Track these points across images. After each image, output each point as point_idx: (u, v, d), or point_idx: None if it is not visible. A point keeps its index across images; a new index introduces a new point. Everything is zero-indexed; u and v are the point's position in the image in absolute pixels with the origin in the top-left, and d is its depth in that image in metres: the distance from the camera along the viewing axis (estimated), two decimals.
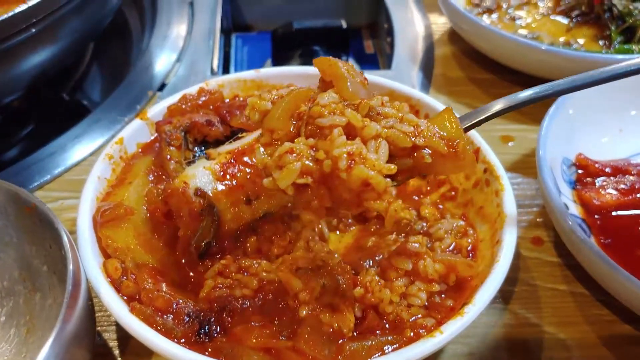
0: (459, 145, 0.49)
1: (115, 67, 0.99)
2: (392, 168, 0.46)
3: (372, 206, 0.47)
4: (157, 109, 0.69)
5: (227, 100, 0.72)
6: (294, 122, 0.50)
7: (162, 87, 0.88)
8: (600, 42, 0.89)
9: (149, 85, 0.88)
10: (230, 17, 1.12)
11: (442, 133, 0.49)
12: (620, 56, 0.78)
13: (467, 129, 0.54)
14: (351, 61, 1.04)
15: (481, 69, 0.89)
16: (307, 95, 0.51)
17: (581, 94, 0.71)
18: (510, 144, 0.79)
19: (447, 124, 0.50)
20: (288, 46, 1.01)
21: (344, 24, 1.01)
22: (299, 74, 0.74)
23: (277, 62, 1.01)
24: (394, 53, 0.92)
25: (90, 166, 0.74)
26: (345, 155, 0.45)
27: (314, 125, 0.48)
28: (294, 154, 0.46)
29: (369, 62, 1.06)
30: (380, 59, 1.07)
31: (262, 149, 0.49)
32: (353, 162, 0.45)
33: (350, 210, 0.49)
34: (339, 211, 0.51)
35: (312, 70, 0.72)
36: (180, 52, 0.94)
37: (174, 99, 0.70)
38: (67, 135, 0.80)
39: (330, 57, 0.52)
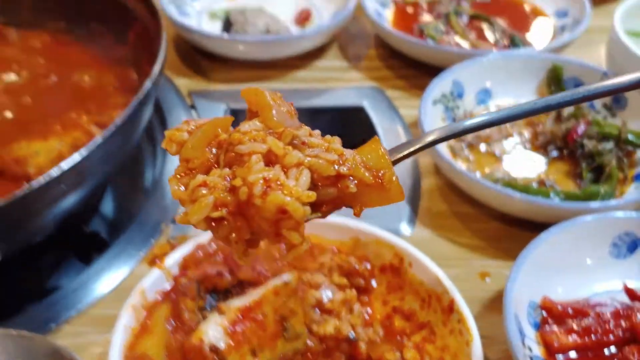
0: (384, 175, 0.52)
1: (129, 194, 1.14)
2: (311, 195, 0.48)
3: (290, 236, 0.49)
4: (173, 259, 0.83)
5: None
6: (214, 151, 0.52)
7: (174, 219, 1.03)
8: (573, 182, 1.04)
9: (161, 217, 1.03)
10: None
11: (368, 163, 0.52)
12: (594, 204, 0.93)
13: (398, 160, 0.57)
14: None
15: (463, 202, 1.04)
16: (226, 123, 0.53)
17: (550, 242, 0.86)
18: (487, 279, 0.93)
19: (374, 154, 0.53)
20: None
21: None
22: None
23: None
24: None
25: (111, 302, 0.90)
26: (261, 181, 0.47)
27: (234, 152, 0.50)
28: (207, 187, 0.48)
29: None
30: None
31: (176, 180, 0.51)
32: (269, 188, 0.47)
33: (270, 241, 0.50)
34: (259, 242, 0.52)
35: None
36: None
37: (188, 248, 0.85)
38: (89, 271, 0.95)
39: (258, 87, 0.54)
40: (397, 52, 1.35)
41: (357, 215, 0.54)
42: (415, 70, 1.32)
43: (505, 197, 0.94)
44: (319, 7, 1.47)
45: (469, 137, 1.11)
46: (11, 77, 1.21)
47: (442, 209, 1.04)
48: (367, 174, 0.50)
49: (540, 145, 1.10)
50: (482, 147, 1.10)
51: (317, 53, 1.38)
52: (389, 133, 1.19)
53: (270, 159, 0.49)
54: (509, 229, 1.00)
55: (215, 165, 0.51)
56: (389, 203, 0.53)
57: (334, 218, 0.88)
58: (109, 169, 0.95)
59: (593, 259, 0.88)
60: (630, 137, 1.05)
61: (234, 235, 0.49)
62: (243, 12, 1.37)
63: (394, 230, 1.00)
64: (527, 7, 1.46)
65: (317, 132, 0.54)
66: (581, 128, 1.06)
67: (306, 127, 0.54)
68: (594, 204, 0.93)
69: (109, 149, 0.90)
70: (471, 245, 0.98)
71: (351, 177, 0.50)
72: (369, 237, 0.87)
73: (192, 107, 1.26)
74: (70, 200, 0.90)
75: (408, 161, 1.13)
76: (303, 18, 1.44)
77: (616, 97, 1.13)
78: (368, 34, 1.45)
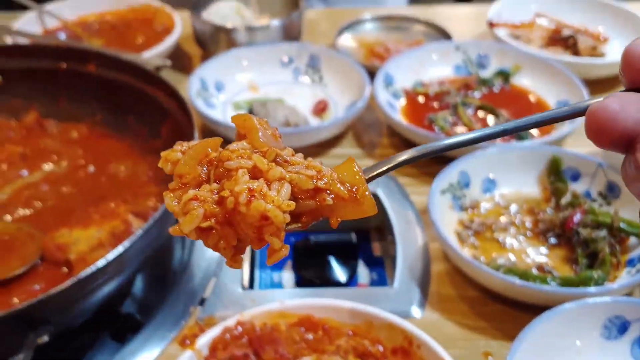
0: (358, 190, 0.58)
1: (159, 277, 1.26)
2: (290, 204, 0.54)
3: (272, 242, 0.54)
4: (203, 341, 0.95)
5: (258, 328, 0.99)
6: (205, 168, 0.56)
7: (202, 301, 1.15)
8: (570, 267, 1.16)
9: (190, 300, 1.15)
10: None
11: (344, 180, 0.57)
12: (589, 289, 1.04)
13: (371, 178, 0.62)
14: (361, 266, 1.31)
15: (469, 286, 1.16)
16: (216, 143, 0.59)
17: (544, 325, 0.97)
18: (490, 359, 1.04)
19: (349, 172, 0.58)
20: (306, 256, 1.29)
21: (354, 238, 1.29)
22: (319, 306, 1.01)
23: (297, 269, 1.28)
24: (396, 270, 1.19)
25: None
26: (246, 191, 0.52)
27: (223, 168, 0.55)
28: (198, 201, 0.54)
29: (376, 264, 1.33)
30: (385, 262, 1.34)
31: (170, 195, 0.55)
32: (253, 197, 0.52)
33: (254, 245, 0.55)
34: (245, 248, 0.57)
35: (332, 303, 1.00)
36: (215, 267, 1.22)
37: (216, 331, 0.97)
38: (124, 351, 1.07)
39: (246, 113, 0.61)
40: (408, 140, 1.49)
41: (333, 226, 0.59)
42: (425, 158, 1.45)
43: (507, 283, 1.05)
44: (335, 98, 1.62)
45: (475, 225, 1.23)
46: (51, 167, 1.36)
47: (450, 293, 1.16)
48: (342, 189, 0.56)
49: (540, 232, 1.22)
50: (487, 234, 1.22)
51: (333, 141, 1.52)
52: (400, 218, 1.32)
53: (255, 174, 0.55)
54: (511, 311, 1.11)
55: (206, 181, 0.57)
56: (363, 216, 0.59)
57: (349, 303, 1.01)
58: (146, 258, 1.08)
59: (585, 340, 0.99)
60: (622, 225, 1.17)
61: (222, 242, 0.54)
62: (264, 104, 1.52)
63: (405, 312, 1.12)
64: (532, 98, 1.60)
65: (300, 154, 0.61)
66: (577, 217, 1.19)
67: (289, 148, 0.61)
68: (589, 289, 1.04)
69: (147, 240, 1.03)
70: (476, 326, 1.09)
71: (328, 191, 0.56)
72: (382, 321, 0.99)
73: None
74: (110, 287, 1.03)
75: (419, 247, 1.25)
76: (320, 109, 1.59)
77: (610, 185, 1.25)
78: (381, 123, 1.59)
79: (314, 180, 0.56)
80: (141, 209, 1.22)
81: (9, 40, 1.71)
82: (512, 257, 1.18)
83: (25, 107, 1.47)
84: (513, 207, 1.28)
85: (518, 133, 1.45)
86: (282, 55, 1.72)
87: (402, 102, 1.59)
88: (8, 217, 1.23)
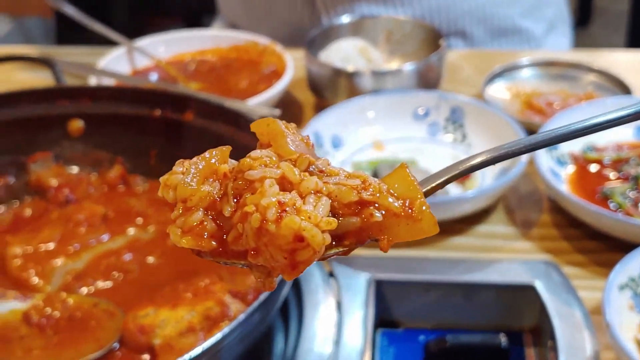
0: (413, 204, 0.58)
1: None
2: (331, 221, 0.53)
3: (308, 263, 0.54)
4: None
5: None
6: (217, 185, 0.57)
7: None
8: None
9: None
10: (376, 313, 1.41)
11: (395, 192, 0.57)
12: None
13: (430, 191, 0.63)
14: None
15: None
16: (224, 154, 0.59)
17: None
18: None
19: (402, 182, 0.58)
20: None
21: (504, 341, 1.27)
22: None
23: None
24: None
25: None
26: (276, 205, 0.51)
27: (243, 180, 0.55)
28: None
29: None
30: None
31: (175, 230, 0.57)
32: (284, 212, 0.51)
33: (285, 275, 0.55)
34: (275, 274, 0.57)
35: None
36: None
37: None
38: None
39: (269, 117, 0.61)
40: (576, 218, 1.47)
41: (383, 250, 0.60)
42: (598, 243, 1.43)
43: None
44: None
45: None
46: (136, 232, 1.41)
47: None
48: (393, 202, 0.56)
49: None
50: None
51: (479, 216, 1.52)
52: (564, 319, 1.29)
53: (284, 187, 0.55)
54: None
55: (220, 200, 0.57)
56: (421, 236, 0.60)
57: None
58: (243, 348, 1.10)
59: None
60: None
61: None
62: (392, 167, 1.54)
63: None
64: None
65: (340, 167, 0.62)
66: None
67: (326, 158, 0.61)
68: None
69: (249, 327, 1.06)
70: None
71: (376, 205, 0.56)
72: None
73: (331, 274, 1.41)
74: None
75: (588, 357, 1.22)
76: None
77: None
78: (541, 195, 1.58)
79: (358, 192, 0.56)
80: (239, 288, 1.25)
81: (93, 80, 1.82)
82: None
83: (108, 159, 1.54)
84: None
85: None
86: (417, 107, 1.75)
87: (569, 170, 1.58)
88: (84, 290, 1.29)
